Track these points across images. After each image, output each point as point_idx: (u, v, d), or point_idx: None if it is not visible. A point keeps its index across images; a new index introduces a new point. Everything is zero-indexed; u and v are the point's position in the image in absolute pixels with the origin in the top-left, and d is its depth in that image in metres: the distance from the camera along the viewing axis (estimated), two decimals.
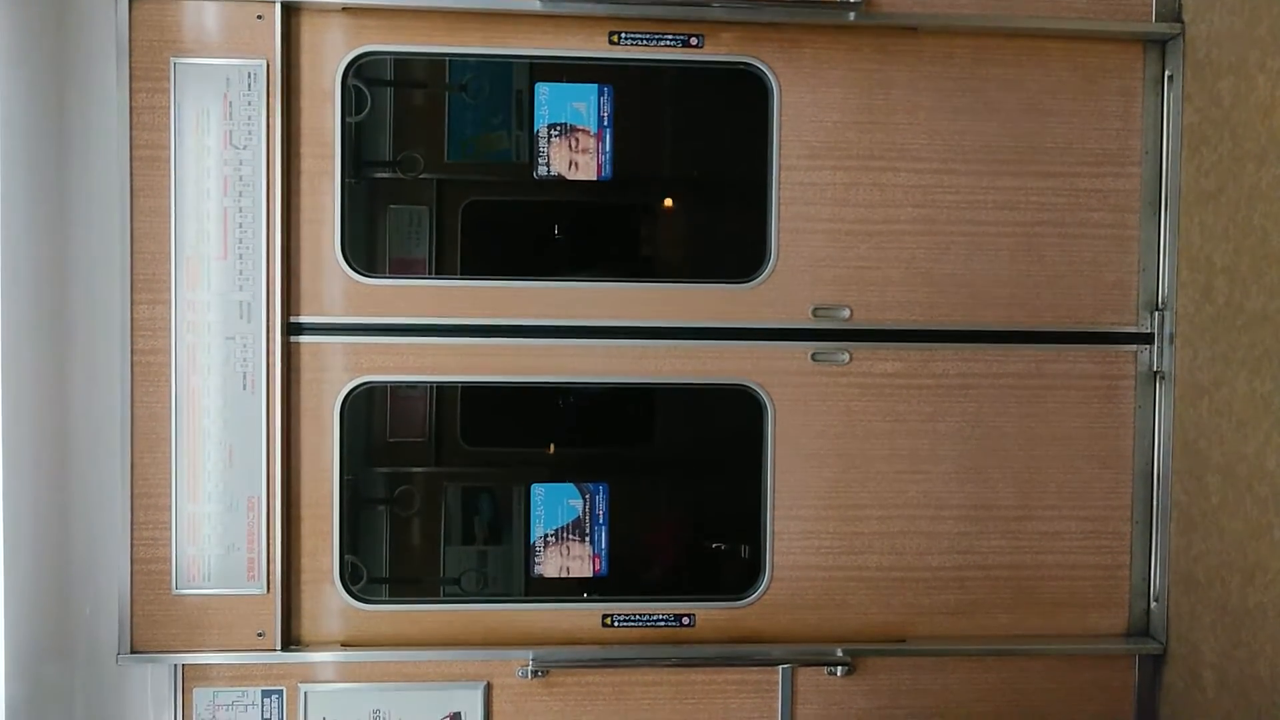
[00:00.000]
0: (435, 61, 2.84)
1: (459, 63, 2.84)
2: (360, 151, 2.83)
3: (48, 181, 2.48)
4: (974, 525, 2.88)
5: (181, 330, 2.64)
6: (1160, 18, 2.81)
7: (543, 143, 2.81)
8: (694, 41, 2.77)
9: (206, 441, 2.65)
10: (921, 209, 2.84)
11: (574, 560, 2.86)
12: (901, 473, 2.85)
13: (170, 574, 2.66)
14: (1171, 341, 2.83)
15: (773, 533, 2.84)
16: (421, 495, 2.99)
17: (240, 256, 2.64)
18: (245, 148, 2.63)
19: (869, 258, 2.83)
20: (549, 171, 2.81)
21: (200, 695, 2.72)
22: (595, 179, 2.83)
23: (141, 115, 2.61)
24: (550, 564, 2.86)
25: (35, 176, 2.41)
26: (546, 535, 2.86)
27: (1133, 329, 2.89)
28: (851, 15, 2.71)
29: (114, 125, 2.60)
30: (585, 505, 2.87)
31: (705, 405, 2.95)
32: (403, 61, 2.82)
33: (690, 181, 3.07)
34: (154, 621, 2.67)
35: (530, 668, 2.72)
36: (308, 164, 2.70)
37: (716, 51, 2.78)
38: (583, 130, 2.81)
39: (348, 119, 2.73)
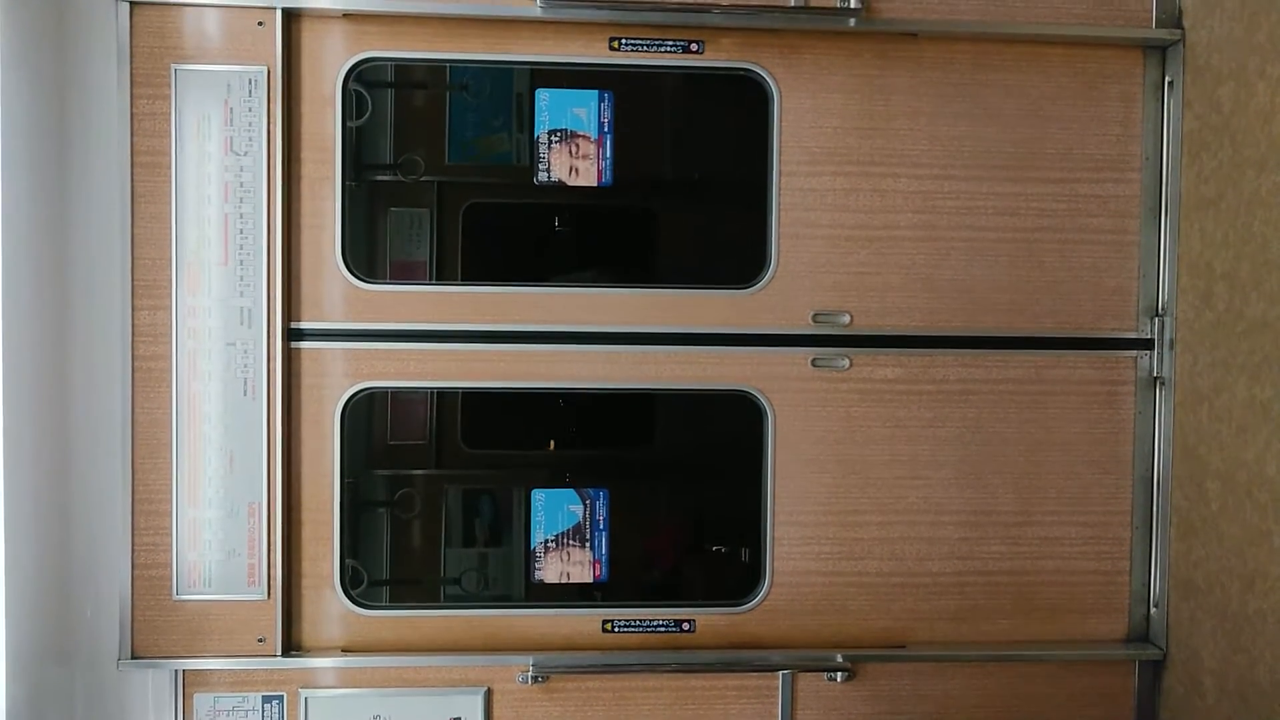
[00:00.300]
0: (436, 66, 2.84)
1: (460, 67, 2.84)
2: (361, 155, 2.83)
3: (48, 187, 2.48)
4: (974, 531, 2.88)
5: (182, 336, 2.64)
6: (1160, 24, 2.81)
7: (543, 149, 2.81)
8: (694, 47, 2.77)
9: (207, 447, 2.66)
10: (921, 214, 2.84)
11: (574, 566, 2.87)
12: (901, 478, 2.86)
13: (171, 579, 2.66)
14: (1171, 347, 2.83)
15: (773, 538, 2.84)
16: (422, 498, 2.99)
17: (241, 262, 2.64)
18: (246, 154, 2.64)
19: (869, 263, 2.83)
20: (549, 177, 2.82)
21: (201, 701, 2.72)
22: (596, 185, 2.83)
23: (142, 121, 2.62)
24: (550, 569, 2.86)
25: (36, 182, 2.42)
26: (547, 540, 2.86)
27: (1133, 335, 2.89)
28: (851, 21, 2.71)
29: (115, 131, 2.60)
30: (585, 511, 2.87)
31: (705, 411, 2.95)
32: (404, 65, 2.82)
33: (690, 187, 3.07)
34: (154, 627, 2.67)
35: (530, 673, 2.73)
36: (308, 170, 2.71)
37: (717, 57, 2.78)
38: (583, 136, 2.81)
39: (348, 123, 2.73)
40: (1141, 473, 2.90)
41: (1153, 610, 2.90)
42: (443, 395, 2.92)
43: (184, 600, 2.67)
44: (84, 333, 2.59)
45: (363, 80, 2.75)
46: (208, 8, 2.62)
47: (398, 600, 2.90)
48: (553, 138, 2.81)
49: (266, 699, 2.74)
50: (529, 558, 2.87)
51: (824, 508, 2.85)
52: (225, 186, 2.64)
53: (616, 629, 2.83)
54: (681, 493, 3.13)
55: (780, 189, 2.80)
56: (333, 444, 2.73)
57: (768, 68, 2.79)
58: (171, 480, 2.65)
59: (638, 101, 2.87)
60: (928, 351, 2.85)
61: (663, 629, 2.83)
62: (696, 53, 2.78)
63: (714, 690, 2.82)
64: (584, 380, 2.80)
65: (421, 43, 2.73)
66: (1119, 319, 2.89)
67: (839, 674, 2.80)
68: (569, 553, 2.87)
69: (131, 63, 2.61)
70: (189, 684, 2.72)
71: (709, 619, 2.85)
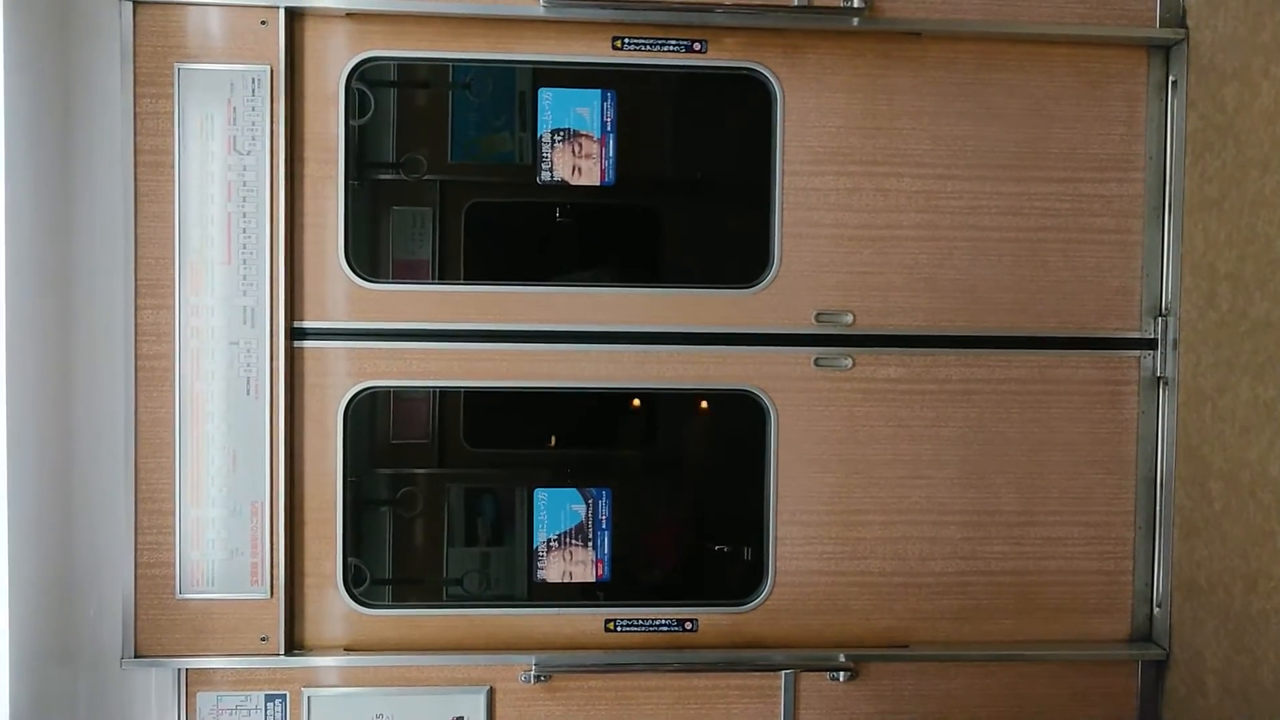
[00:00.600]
0: (439, 65, 2.84)
1: (463, 66, 2.84)
2: (363, 154, 2.84)
3: (52, 186, 2.49)
4: (977, 530, 2.88)
5: (185, 335, 2.64)
6: (1164, 23, 2.81)
7: (546, 148, 2.81)
8: (697, 47, 2.77)
9: (210, 446, 2.66)
10: (925, 214, 2.83)
11: (577, 565, 2.87)
12: (904, 478, 2.86)
13: (174, 578, 2.67)
14: (1175, 347, 2.82)
15: (775, 538, 2.84)
16: (424, 497, 2.99)
17: (244, 261, 2.64)
18: (249, 153, 2.64)
19: (872, 263, 2.83)
20: (552, 177, 2.81)
21: (204, 699, 2.73)
22: (599, 184, 2.83)
23: (145, 121, 2.62)
24: (553, 569, 2.87)
25: (40, 181, 2.42)
26: (549, 540, 2.86)
27: (1136, 334, 2.89)
28: (855, 21, 2.71)
29: (118, 130, 2.60)
30: (588, 510, 2.87)
31: (708, 410, 2.95)
32: (406, 64, 2.82)
33: (693, 187, 3.07)
34: (158, 626, 2.67)
35: (533, 672, 2.73)
36: (311, 169, 2.71)
37: (720, 57, 2.78)
38: (586, 135, 2.81)
39: (351, 122, 2.73)
40: (1145, 473, 2.89)
41: (1156, 610, 2.90)
42: (445, 394, 2.93)
43: (187, 599, 2.67)
44: (87, 331, 2.59)
45: (365, 79, 2.75)
46: (211, 7, 2.62)
47: (400, 599, 2.90)
48: (556, 137, 2.81)
49: (269, 698, 2.74)
50: (531, 557, 2.87)
51: (827, 507, 2.85)
52: (228, 185, 2.64)
53: (619, 628, 2.83)
54: (684, 492, 3.13)
55: (783, 188, 2.80)
56: (335, 443, 2.74)
57: (771, 67, 2.79)
58: (174, 479, 2.65)
59: (641, 101, 2.87)
60: (931, 351, 2.85)
61: (665, 628, 2.83)
62: (699, 52, 2.77)
63: (716, 690, 2.82)
64: (587, 380, 2.80)
65: (424, 42, 2.73)
66: (1122, 319, 2.89)
67: (841, 674, 2.80)
68: (571, 552, 2.87)
69: (135, 62, 2.61)
70: (192, 683, 2.73)
71: (711, 618, 2.85)
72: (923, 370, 2.85)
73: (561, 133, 2.81)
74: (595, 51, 2.77)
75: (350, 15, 2.69)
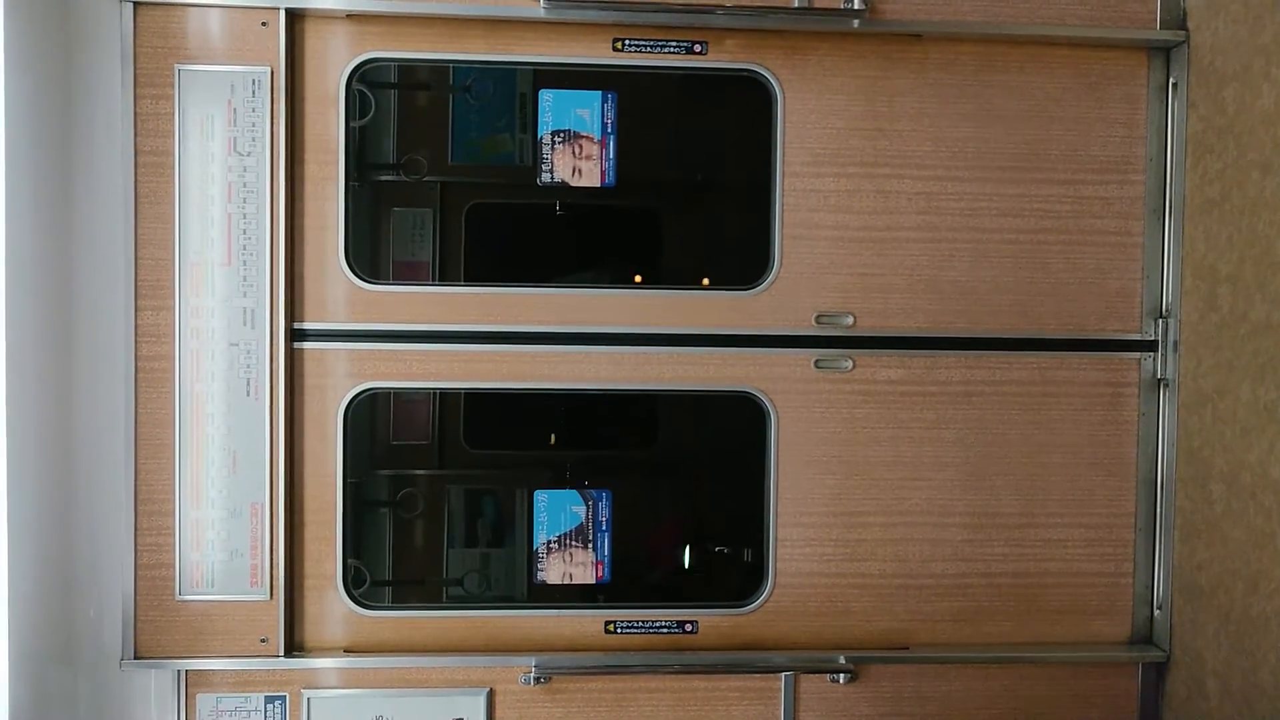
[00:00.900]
0: (439, 66, 2.84)
1: (463, 68, 2.84)
2: (364, 155, 2.83)
3: (53, 187, 2.49)
4: (977, 533, 2.87)
5: (185, 336, 2.64)
6: (1165, 25, 2.81)
7: (546, 149, 2.81)
8: (698, 48, 2.77)
9: (210, 447, 2.66)
10: (925, 216, 2.83)
11: (577, 566, 2.87)
12: (904, 480, 2.85)
13: (174, 580, 2.66)
14: (1175, 349, 2.82)
15: (775, 540, 2.84)
16: (424, 499, 2.99)
17: (244, 263, 2.64)
18: (249, 154, 2.64)
19: (872, 264, 2.83)
20: (553, 178, 2.81)
21: (203, 701, 2.72)
22: (599, 186, 2.83)
23: (146, 122, 2.62)
24: (553, 570, 2.86)
25: (40, 182, 2.42)
26: (549, 541, 2.86)
27: (1136, 336, 2.89)
28: (856, 22, 2.71)
29: (118, 131, 2.60)
30: (588, 511, 2.87)
31: (708, 412, 2.95)
32: (407, 66, 2.82)
33: (694, 188, 3.07)
34: (157, 627, 2.67)
35: (533, 674, 2.73)
36: (311, 170, 2.71)
37: (720, 58, 2.78)
38: (586, 137, 2.81)
39: (352, 123, 2.73)
40: (1145, 475, 2.89)
41: (1156, 612, 2.89)
42: (445, 396, 2.92)
43: (187, 600, 2.67)
44: (87, 333, 2.59)
45: (366, 80, 2.75)
46: (211, 8, 2.62)
47: (400, 601, 2.90)
48: (556, 138, 2.81)
49: (269, 699, 2.74)
50: (531, 558, 2.87)
51: (827, 509, 2.85)
52: (228, 187, 2.64)
53: (619, 630, 2.83)
54: (684, 494, 3.13)
55: (784, 190, 2.80)
56: (335, 444, 2.73)
57: (771, 69, 2.79)
58: (174, 480, 2.65)
59: (641, 102, 2.87)
60: (931, 353, 2.85)
61: (665, 630, 2.83)
62: (700, 54, 2.77)
63: (716, 691, 2.82)
64: (587, 381, 2.80)
65: (425, 43, 2.73)
66: (1123, 321, 2.89)
67: (842, 675, 2.80)
68: (571, 553, 2.86)
69: (135, 63, 2.61)
70: (192, 684, 2.72)
71: (712, 620, 2.85)
72: (923, 372, 2.85)
73: (562, 134, 2.81)
74: (596, 53, 2.77)
75: (350, 16, 2.69)
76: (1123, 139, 2.87)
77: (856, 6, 2.70)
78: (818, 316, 2.81)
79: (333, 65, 2.70)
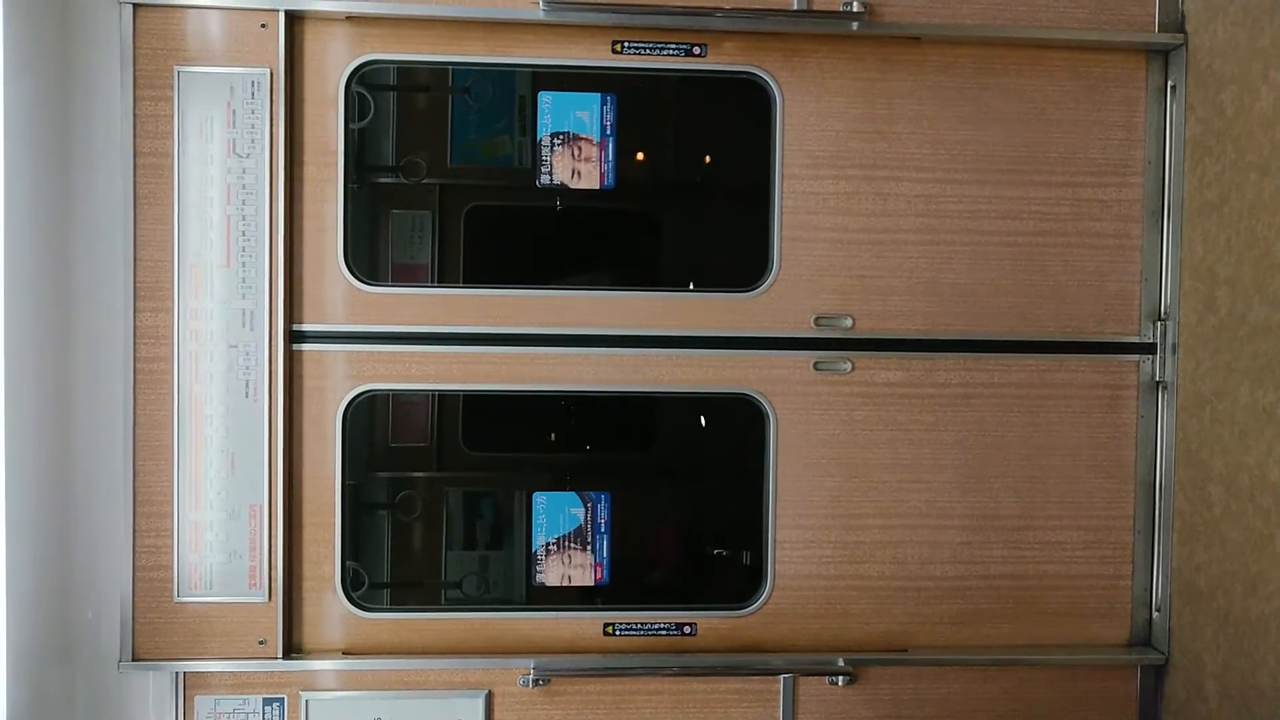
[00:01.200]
0: (438, 68, 2.84)
1: (462, 70, 2.84)
2: (363, 157, 2.83)
3: (51, 189, 2.49)
4: (976, 535, 2.87)
5: (184, 338, 2.64)
6: (1163, 28, 2.81)
7: (545, 151, 2.81)
8: (697, 51, 2.77)
9: (208, 449, 2.66)
10: (924, 218, 2.84)
11: (575, 569, 2.86)
12: (903, 482, 2.85)
13: (172, 581, 2.66)
14: (1174, 352, 2.82)
15: (774, 542, 2.84)
16: (423, 501, 2.99)
17: (243, 264, 2.64)
18: (248, 156, 2.64)
19: (871, 267, 2.83)
20: (552, 180, 2.82)
21: (202, 703, 2.72)
22: (598, 188, 2.83)
23: (145, 123, 2.62)
24: (552, 572, 2.86)
25: (39, 184, 2.42)
26: (548, 543, 2.86)
27: (1135, 339, 2.89)
28: (854, 25, 2.71)
29: (117, 133, 2.60)
30: (587, 514, 2.87)
31: (707, 414, 2.95)
32: (406, 68, 2.82)
33: (693, 190, 3.07)
34: (156, 629, 2.67)
35: (531, 676, 2.72)
36: (310, 171, 2.71)
37: (719, 61, 2.78)
38: (585, 139, 2.81)
39: (351, 125, 2.73)
40: (1144, 477, 2.89)
41: (1155, 615, 2.89)
42: (444, 398, 2.92)
43: (185, 602, 2.67)
44: (86, 334, 2.59)
45: (365, 82, 2.76)
46: (210, 10, 2.62)
47: (399, 603, 2.90)
48: (555, 140, 2.81)
49: (267, 701, 2.73)
50: (530, 560, 2.87)
51: (826, 511, 2.84)
52: (227, 188, 2.64)
53: (618, 632, 2.82)
54: (683, 496, 3.13)
55: (782, 192, 2.80)
56: (334, 446, 2.73)
57: (770, 71, 2.79)
58: (173, 482, 2.65)
59: (640, 104, 2.87)
60: (930, 355, 2.85)
61: (664, 632, 2.83)
62: (699, 56, 2.78)
63: (715, 694, 2.81)
64: (586, 383, 2.80)
65: (424, 45, 2.74)
66: (1121, 323, 2.89)
67: (840, 678, 2.80)
68: (570, 556, 2.86)
69: (134, 65, 2.61)
70: (190, 686, 2.72)
71: (710, 622, 2.85)
72: (922, 374, 2.85)
73: (561, 136, 2.81)
74: (595, 55, 2.77)
75: (350, 18, 2.69)
76: (1121, 142, 2.87)
77: (855, 9, 2.70)
78: (817, 318, 2.82)
79: (332, 67, 2.71)
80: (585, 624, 2.83)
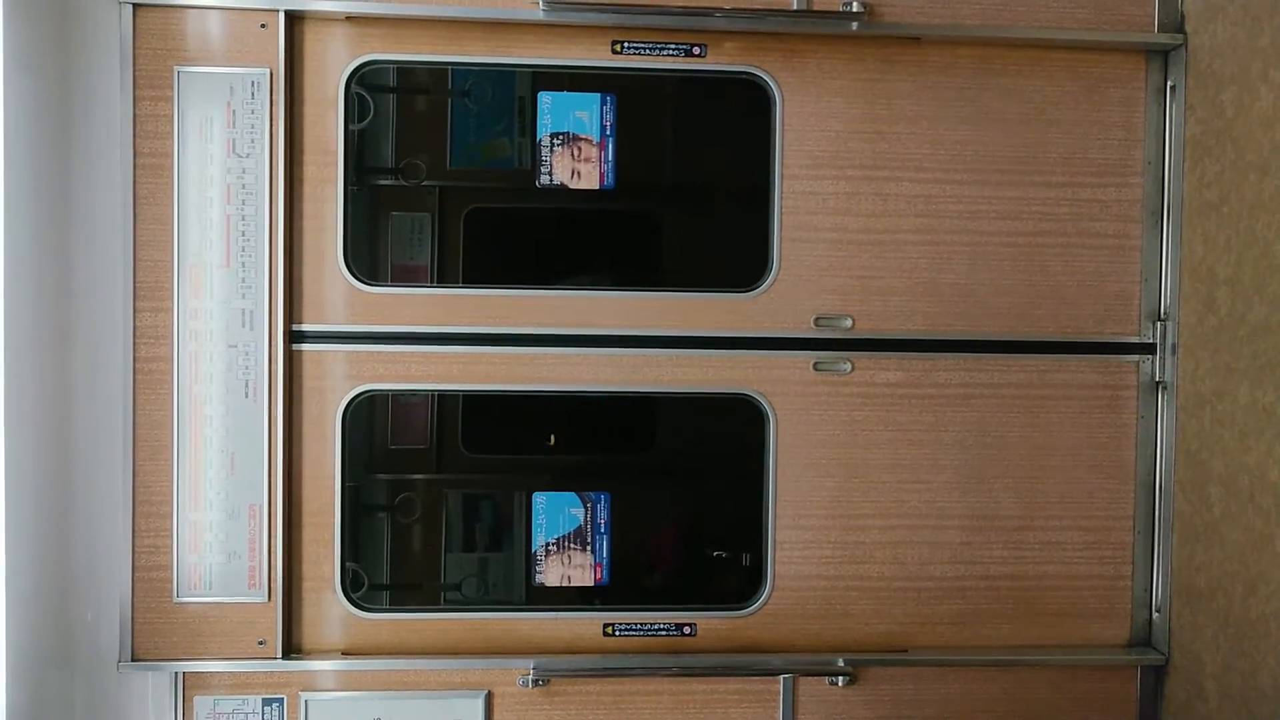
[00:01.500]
0: (438, 69, 2.84)
1: (462, 70, 2.84)
2: (363, 158, 2.83)
3: (51, 189, 2.49)
4: (976, 535, 2.87)
5: (184, 338, 2.64)
6: (1163, 28, 2.81)
7: (545, 152, 2.81)
8: (696, 51, 2.77)
9: (208, 449, 2.65)
10: (924, 218, 2.84)
11: (575, 569, 2.86)
12: (903, 482, 2.85)
13: (171, 582, 2.66)
14: (1174, 352, 2.82)
15: (774, 542, 2.84)
16: (423, 501, 2.99)
17: (243, 264, 2.64)
18: (248, 156, 2.64)
19: (871, 267, 2.83)
20: (551, 180, 2.82)
21: (201, 703, 2.72)
22: (598, 188, 2.83)
23: (145, 124, 2.62)
24: (551, 573, 2.86)
25: (39, 184, 2.42)
26: (548, 544, 2.86)
27: (1135, 339, 2.89)
28: (854, 25, 2.71)
29: (117, 133, 2.60)
30: (587, 514, 2.86)
31: (707, 414, 2.94)
32: (406, 69, 2.82)
33: (692, 190, 3.06)
34: (155, 629, 2.67)
35: (531, 676, 2.72)
36: (310, 172, 2.71)
37: (719, 61, 2.78)
38: (585, 139, 2.81)
39: (351, 126, 2.74)
40: (1144, 477, 2.89)
41: (1155, 615, 2.89)
42: (444, 398, 2.92)
43: (184, 602, 2.67)
44: (86, 334, 2.59)
45: (365, 83, 2.76)
46: (210, 10, 2.62)
47: (398, 603, 2.89)
48: (555, 141, 2.81)
49: (267, 701, 2.73)
50: (530, 561, 2.87)
51: (825, 512, 2.84)
52: (227, 188, 2.64)
53: (617, 632, 2.82)
54: (682, 496, 3.12)
55: (782, 192, 2.80)
56: (334, 446, 2.73)
57: (770, 71, 2.80)
58: (172, 482, 2.65)
59: (640, 105, 2.87)
60: (930, 355, 2.85)
61: (664, 633, 2.83)
62: (699, 56, 2.78)
63: (715, 694, 2.81)
64: (585, 383, 2.80)
65: (424, 45, 2.74)
66: (1121, 323, 2.89)
67: (840, 678, 2.80)
68: (570, 556, 2.86)
69: (134, 65, 2.61)
70: (189, 686, 2.72)
71: (710, 623, 2.85)
72: (922, 375, 2.85)
73: (561, 136, 2.81)
74: (595, 55, 2.77)
75: (350, 19, 2.69)
76: (1121, 142, 2.87)
77: (854, 10, 2.70)
78: (816, 319, 2.82)
79: (332, 67, 2.71)
80: (585, 624, 2.82)
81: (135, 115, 2.61)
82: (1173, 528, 2.82)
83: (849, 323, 2.82)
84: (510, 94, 2.87)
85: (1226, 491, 2.58)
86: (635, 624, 2.83)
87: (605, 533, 2.87)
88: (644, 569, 3.01)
